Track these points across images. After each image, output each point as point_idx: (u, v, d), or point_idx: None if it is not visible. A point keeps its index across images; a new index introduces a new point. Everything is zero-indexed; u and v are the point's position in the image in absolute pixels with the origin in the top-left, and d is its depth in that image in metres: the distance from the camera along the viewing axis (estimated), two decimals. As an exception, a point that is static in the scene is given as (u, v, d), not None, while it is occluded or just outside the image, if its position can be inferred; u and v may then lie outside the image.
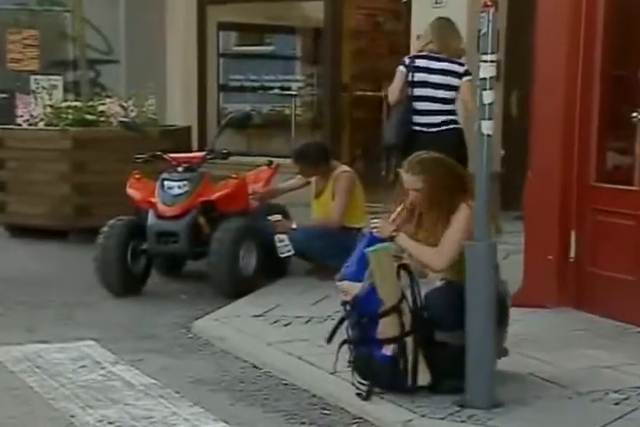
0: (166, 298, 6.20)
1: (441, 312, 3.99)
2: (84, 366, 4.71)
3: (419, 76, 6.36)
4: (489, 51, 3.91)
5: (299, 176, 6.64)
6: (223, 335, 5.16)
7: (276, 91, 10.82)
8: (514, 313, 4.31)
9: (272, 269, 6.44)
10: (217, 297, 6.03)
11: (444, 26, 6.66)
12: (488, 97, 3.93)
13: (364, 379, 4.10)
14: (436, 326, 4.04)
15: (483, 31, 3.91)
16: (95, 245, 6.18)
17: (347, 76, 10.44)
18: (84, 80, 8.68)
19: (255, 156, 9.10)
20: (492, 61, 3.92)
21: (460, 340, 3.93)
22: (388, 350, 4.05)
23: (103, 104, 8.20)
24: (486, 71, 3.92)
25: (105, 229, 6.19)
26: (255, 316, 5.47)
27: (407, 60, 6.47)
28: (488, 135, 3.95)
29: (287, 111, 10.87)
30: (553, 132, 5.40)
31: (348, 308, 4.09)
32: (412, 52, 6.86)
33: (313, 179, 6.58)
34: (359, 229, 6.54)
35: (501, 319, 4.06)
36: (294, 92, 10.70)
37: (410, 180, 4.19)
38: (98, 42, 10.38)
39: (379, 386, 4.10)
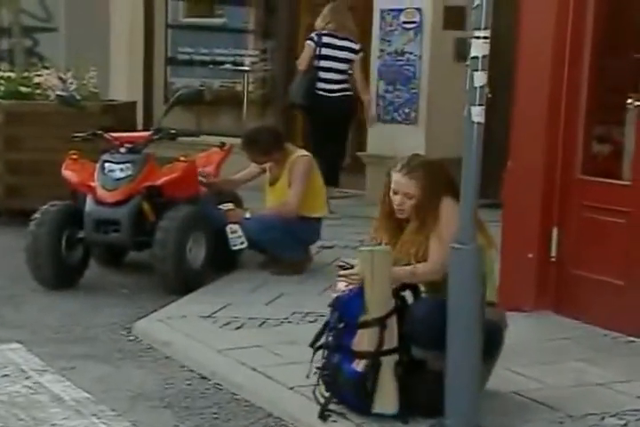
0: (105, 293, 5.62)
1: (421, 327, 3.48)
2: (5, 376, 4.14)
3: (325, 51, 7.96)
4: (482, 26, 3.38)
5: (254, 164, 6.07)
6: (167, 339, 4.62)
7: (228, 66, 10.22)
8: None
9: (222, 262, 5.90)
10: (161, 292, 5.49)
11: (340, 9, 8.33)
12: (479, 79, 3.40)
13: (326, 391, 3.61)
14: (415, 342, 3.54)
15: (476, 3, 3.38)
16: (26, 233, 5.57)
17: (301, 51, 9.84)
18: (18, 49, 7.99)
19: (204, 134, 8.53)
20: (485, 38, 3.39)
21: (440, 362, 3.44)
22: (358, 366, 3.55)
23: (39, 75, 7.54)
24: (478, 49, 3.39)
25: (37, 215, 5.59)
26: (203, 317, 4.93)
27: (315, 37, 8.03)
28: (478, 123, 3.44)
29: (239, 87, 10.26)
30: (536, 118, 4.91)
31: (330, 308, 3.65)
32: (316, 30, 8.15)
33: (267, 165, 6.02)
34: (318, 220, 6.05)
35: (490, 350, 3.56)
36: (247, 68, 10.10)
37: (403, 182, 3.68)
38: (36, 8, 9.65)
39: (342, 403, 3.61)
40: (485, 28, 3.39)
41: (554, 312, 4.92)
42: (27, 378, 4.12)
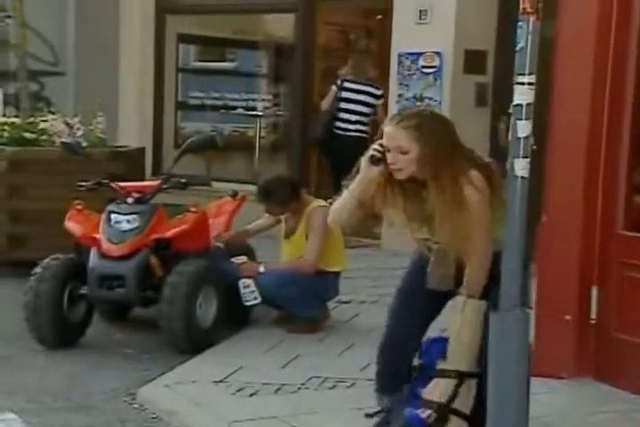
0: (108, 353, 5.25)
1: None
2: (-1, 452, 3.79)
3: (344, 94, 8.57)
4: (527, 70, 3.07)
5: (267, 214, 5.74)
6: (175, 409, 4.24)
7: (240, 110, 9.96)
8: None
9: (234, 318, 5.54)
10: (169, 352, 5.13)
11: (362, 58, 9.37)
12: (524, 129, 3.09)
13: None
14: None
15: (520, 45, 3.07)
16: (26, 289, 5.23)
17: (317, 95, 9.60)
18: (24, 93, 7.71)
19: (215, 181, 8.24)
20: (530, 84, 3.08)
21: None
22: (424, 414, 3.24)
23: (45, 121, 7.25)
24: (523, 96, 3.08)
25: (38, 269, 5.25)
26: (214, 382, 4.55)
27: (338, 82, 8.68)
28: (522, 177, 3.11)
29: (251, 133, 10.02)
30: (573, 168, 4.57)
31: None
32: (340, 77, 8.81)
33: (283, 216, 5.69)
34: (337, 274, 5.70)
35: None
36: (259, 113, 9.84)
37: (394, 134, 3.27)
38: (43, 52, 9.41)
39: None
40: (530, 74, 3.08)
41: (595, 379, 4.53)
42: (22, 454, 3.76)
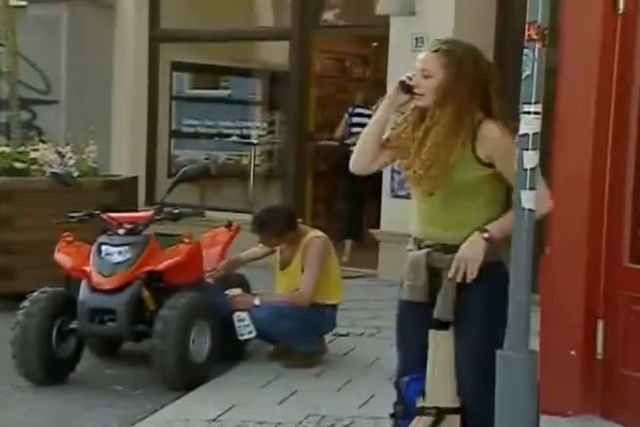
0: (98, 389, 5.08)
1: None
2: None
3: (355, 119, 9.07)
4: (532, 99, 2.95)
5: (262, 244, 5.60)
6: (167, 450, 4.08)
7: (234, 138, 9.84)
8: None
9: (228, 352, 5.38)
10: (161, 388, 4.97)
11: (371, 87, 9.81)
12: (530, 159, 2.96)
13: None
14: None
15: (525, 73, 2.96)
16: (13, 324, 5.07)
17: (312, 123, 9.51)
18: (14, 122, 7.58)
19: (209, 209, 8.11)
20: (536, 113, 2.96)
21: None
22: None
23: (36, 150, 7.12)
24: (528, 125, 2.96)
25: (26, 303, 5.10)
26: (208, 420, 4.39)
27: (350, 109, 9.23)
28: (530, 210, 2.98)
29: (245, 161, 9.89)
30: (577, 198, 4.45)
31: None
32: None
33: (278, 247, 5.55)
34: (334, 307, 5.55)
35: None
36: (254, 140, 9.72)
37: (424, 57, 3.17)
38: (35, 80, 9.29)
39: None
40: (537, 102, 2.96)
41: (601, 417, 4.38)
42: None
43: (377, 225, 8.33)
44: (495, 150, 3.14)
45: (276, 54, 9.95)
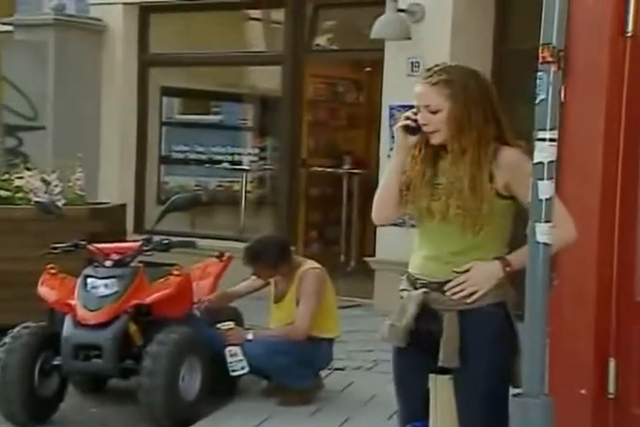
0: (83, 430, 4.86)
1: None
2: None
3: None
4: (547, 126, 2.76)
5: (254, 277, 5.39)
6: None
7: (225, 164, 9.66)
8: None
9: (219, 389, 5.16)
10: (149, 429, 4.74)
11: None
12: (546, 189, 2.77)
13: None
14: None
15: (540, 98, 2.76)
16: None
17: (305, 149, 9.34)
18: (-1, 148, 7.40)
19: (200, 238, 7.91)
20: (551, 140, 2.77)
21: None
22: None
23: (21, 177, 6.90)
24: (544, 153, 2.76)
25: (7, 339, 4.88)
26: (198, 465, 4.17)
27: None
28: (545, 244, 2.78)
29: (237, 187, 9.71)
30: (585, 229, 4.23)
31: None
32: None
33: (272, 279, 5.33)
34: (330, 341, 5.33)
35: None
36: (245, 167, 9.55)
37: (422, 91, 2.95)
38: (21, 106, 9.09)
39: None
40: (552, 129, 2.77)
41: (614, 459, 4.16)
42: None
43: (372, 253, 8.14)
44: (515, 177, 2.94)
45: (268, 79, 9.83)
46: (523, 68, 7.74)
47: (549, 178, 2.76)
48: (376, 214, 3.14)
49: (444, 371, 3.04)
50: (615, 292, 4.24)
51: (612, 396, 4.21)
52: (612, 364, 4.24)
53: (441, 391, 3.02)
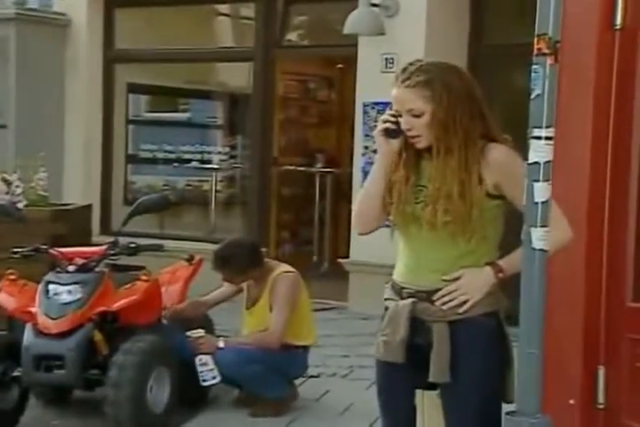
0: (45, 444, 4.62)
1: None
2: None
3: None
4: (543, 123, 2.56)
5: (227, 283, 5.16)
6: None
7: (194, 163, 9.44)
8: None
9: (189, 399, 4.93)
10: (115, 442, 4.51)
11: None
12: (541, 192, 2.56)
13: None
14: None
15: (535, 93, 2.56)
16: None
17: (276, 148, 9.13)
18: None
19: (168, 239, 7.69)
20: (547, 138, 2.57)
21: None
22: None
23: (-21, 179, 6.66)
24: (539, 153, 2.56)
25: (-37, 350, 4.62)
26: (167, 483, 3.94)
27: None
28: (541, 250, 2.59)
29: (206, 186, 9.50)
30: (575, 230, 4.06)
31: None
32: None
33: (244, 284, 5.11)
34: (305, 348, 5.12)
35: None
36: (215, 166, 9.33)
37: (401, 95, 2.75)
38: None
39: None
40: (548, 127, 2.56)
41: (605, 471, 3.99)
42: None
43: (346, 254, 7.95)
44: (505, 177, 2.74)
45: (238, 76, 9.65)
46: (499, 64, 7.66)
47: (545, 180, 2.55)
48: (360, 226, 2.93)
49: (431, 386, 2.84)
50: (605, 296, 4.07)
51: (601, 406, 4.06)
52: (601, 372, 4.08)
53: (429, 409, 2.82)
